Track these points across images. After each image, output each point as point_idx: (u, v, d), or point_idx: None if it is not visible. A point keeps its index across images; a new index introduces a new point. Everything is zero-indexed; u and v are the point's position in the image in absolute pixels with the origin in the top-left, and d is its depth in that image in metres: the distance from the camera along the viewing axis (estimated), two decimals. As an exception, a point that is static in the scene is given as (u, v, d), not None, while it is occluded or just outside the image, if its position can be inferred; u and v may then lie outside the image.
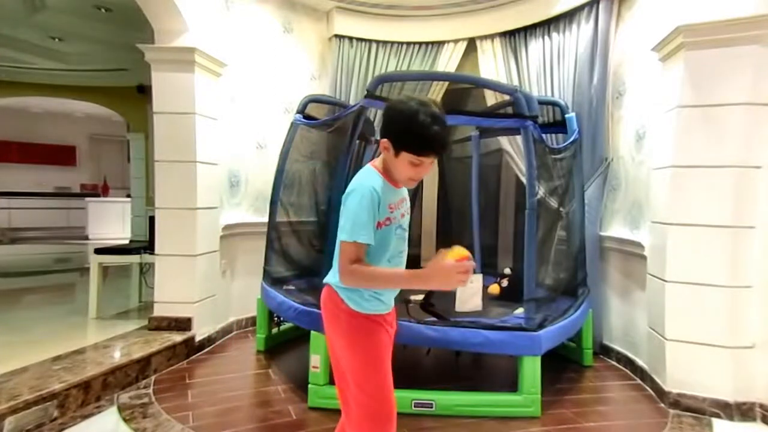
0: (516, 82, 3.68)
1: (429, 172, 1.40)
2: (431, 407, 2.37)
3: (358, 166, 3.86)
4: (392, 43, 4.12)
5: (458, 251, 1.27)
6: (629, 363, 3.01)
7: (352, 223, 1.30)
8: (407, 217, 1.46)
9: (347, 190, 1.35)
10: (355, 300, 1.37)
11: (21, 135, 10.46)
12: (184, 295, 3.20)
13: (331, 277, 1.43)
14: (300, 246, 3.43)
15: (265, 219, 3.44)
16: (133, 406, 2.41)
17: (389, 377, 1.39)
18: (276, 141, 3.70)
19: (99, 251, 3.77)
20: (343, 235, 1.31)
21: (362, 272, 1.30)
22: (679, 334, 2.46)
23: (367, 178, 1.35)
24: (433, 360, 3.13)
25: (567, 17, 3.44)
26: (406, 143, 1.30)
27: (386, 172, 1.38)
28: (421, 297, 3.15)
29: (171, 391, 2.63)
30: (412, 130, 1.28)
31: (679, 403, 2.45)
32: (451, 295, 2.94)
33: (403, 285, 1.37)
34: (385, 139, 1.34)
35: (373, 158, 4.07)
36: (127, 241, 6.32)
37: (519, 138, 2.89)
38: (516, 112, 2.46)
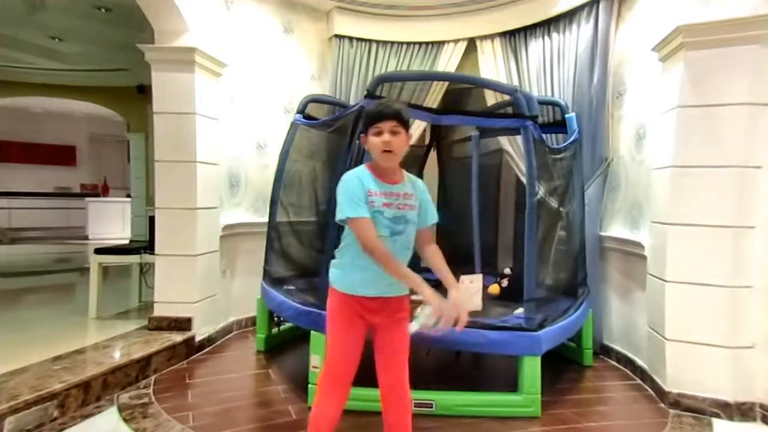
0: (516, 82, 3.68)
1: (398, 142, 1.63)
2: (431, 407, 2.37)
3: (358, 166, 3.88)
4: (392, 43, 4.12)
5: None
6: (629, 363, 3.01)
7: (348, 201, 1.59)
8: (396, 211, 1.65)
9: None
10: (340, 274, 1.69)
11: (21, 135, 10.46)
12: (184, 295, 3.20)
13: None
14: (300, 246, 3.43)
15: (265, 219, 3.44)
16: (133, 406, 2.41)
17: (343, 348, 1.66)
18: (276, 141, 3.70)
19: (99, 251, 3.77)
20: (341, 215, 1.59)
21: (375, 248, 1.56)
22: (679, 334, 2.46)
23: (351, 171, 1.67)
24: (433, 360, 3.13)
25: (567, 17, 3.44)
26: (365, 124, 1.67)
27: (374, 168, 1.68)
28: (421, 297, 3.15)
29: (171, 391, 2.63)
30: (365, 114, 1.71)
31: (679, 403, 2.45)
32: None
33: (409, 281, 1.60)
34: (362, 135, 1.69)
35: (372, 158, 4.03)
36: (127, 241, 6.32)
37: (519, 138, 2.88)
38: (516, 112, 2.46)
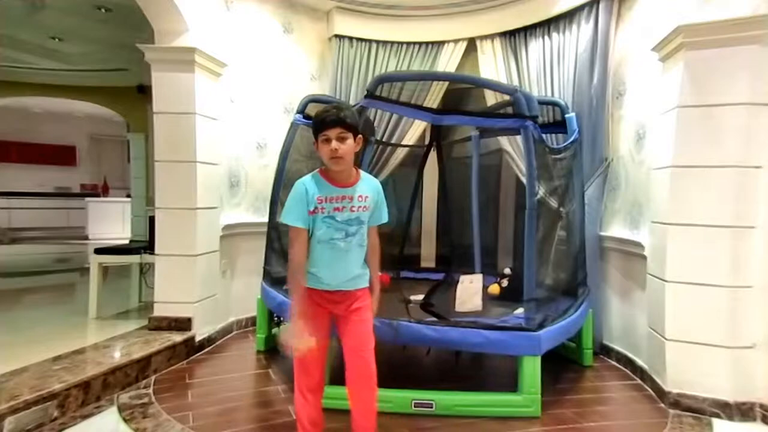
0: (516, 82, 3.68)
1: (347, 148, 1.70)
2: (431, 407, 2.37)
3: (358, 165, 3.89)
4: (392, 43, 4.12)
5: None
6: (629, 363, 3.01)
7: (291, 208, 1.73)
8: (348, 213, 1.74)
9: None
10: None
11: (21, 135, 10.46)
12: (184, 295, 3.20)
13: None
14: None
15: (265, 219, 3.44)
16: (133, 406, 2.41)
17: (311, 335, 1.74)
18: (276, 141, 3.70)
19: (99, 251, 3.77)
20: (283, 219, 1.74)
21: (293, 260, 1.75)
22: (679, 334, 2.46)
23: (304, 177, 1.77)
24: (433, 360, 3.13)
25: (567, 17, 3.44)
26: (314, 131, 1.73)
27: (326, 173, 1.76)
28: (421, 297, 3.15)
29: (171, 391, 2.63)
30: (313, 121, 1.75)
31: (679, 403, 2.45)
32: (451, 295, 2.95)
33: (293, 296, 1.78)
34: (314, 142, 1.75)
35: (372, 158, 4.09)
36: (127, 241, 6.32)
37: (519, 138, 2.88)
38: (516, 112, 2.46)
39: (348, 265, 1.79)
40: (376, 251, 1.92)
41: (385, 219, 1.91)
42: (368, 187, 1.82)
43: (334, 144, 1.68)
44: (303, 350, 1.67)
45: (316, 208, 1.72)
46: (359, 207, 1.77)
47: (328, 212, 1.72)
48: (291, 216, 1.73)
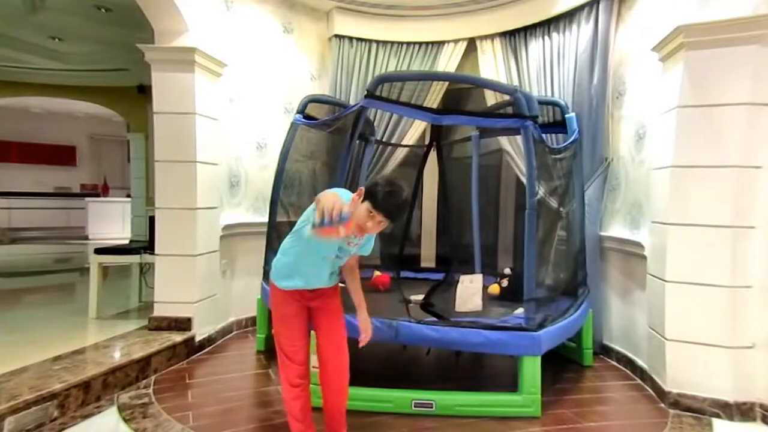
0: (516, 82, 3.68)
1: (376, 230, 1.76)
2: (431, 407, 2.37)
3: (358, 166, 3.89)
4: (392, 43, 4.12)
5: None
6: (629, 363, 3.01)
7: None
8: (346, 247, 1.86)
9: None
10: (275, 278, 1.94)
11: (21, 135, 10.45)
12: (184, 295, 3.20)
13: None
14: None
15: (265, 219, 3.44)
16: (133, 406, 2.41)
17: (291, 333, 1.95)
18: (276, 141, 3.70)
19: (99, 251, 3.76)
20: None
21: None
22: (679, 334, 2.46)
23: (345, 191, 1.79)
24: (433, 360, 3.13)
25: (567, 17, 3.44)
26: (372, 196, 1.71)
27: (351, 211, 1.73)
28: (421, 297, 3.15)
29: (171, 391, 2.63)
30: (377, 191, 1.72)
31: (679, 403, 2.45)
32: (451, 295, 2.95)
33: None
34: (360, 190, 1.77)
35: (372, 158, 4.08)
36: (127, 241, 6.32)
37: (519, 138, 2.89)
38: (516, 112, 2.46)
39: (321, 277, 1.93)
40: (356, 274, 2.07)
41: (367, 253, 2.00)
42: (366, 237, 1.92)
43: (371, 224, 1.74)
44: (337, 208, 1.55)
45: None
46: (355, 244, 1.89)
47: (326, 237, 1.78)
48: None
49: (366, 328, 2.04)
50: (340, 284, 2.05)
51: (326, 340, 1.99)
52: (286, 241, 1.95)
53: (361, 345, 2.02)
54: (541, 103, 3.25)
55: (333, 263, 1.92)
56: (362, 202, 1.74)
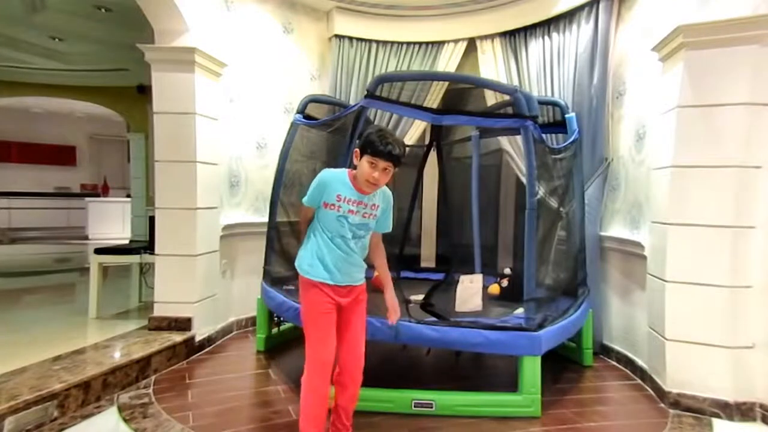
0: (516, 82, 3.68)
1: (384, 179, 1.80)
2: (431, 407, 2.37)
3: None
4: (392, 43, 4.12)
5: None
6: (629, 363, 3.01)
7: (312, 191, 1.87)
8: (361, 218, 1.85)
9: None
10: (302, 267, 1.91)
11: (21, 135, 10.46)
12: (184, 295, 3.20)
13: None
14: (300, 246, 3.43)
15: (265, 219, 3.44)
16: (133, 406, 2.41)
17: (322, 331, 1.85)
18: (276, 141, 3.70)
19: (99, 251, 3.76)
20: (305, 198, 1.90)
21: (301, 216, 2.00)
22: (679, 334, 2.46)
23: (335, 170, 1.88)
24: (433, 360, 3.13)
25: (567, 17, 3.44)
26: (366, 146, 1.78)
27: (354, 179, 1.84)
28: (421, 297, 3.15)
29: (171, 391, 2.63)
30: (370, 139, 1.78)
31: (679, 403, 2.45)
32: (451, 295, 2.95)
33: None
34: (356, 149, 1.83)
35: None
36: (127, 241, 6.32)
37: (519, 138, 2.88)
38: (516, 112, 2.46)
39: (351, 267, 1.90)
40: (381, 251, 2.06)
41: (388, 228, 2.02)
42: (382, 196, 1.93)
43: (377, 174, 1.77)
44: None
45: (333, 204, 1.83)
46: (370, 214, 1.88)
47: (343, 212, 1.83)
48: (308, 199, 1.90)
49: (394, 307, 2.04)
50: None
51: (348, 346, 1.94)
52: (312, 240, 1.93)
53: (391, 323, 2.09)
54: (541, 103, 3.25)
55: (356, 245, 1.89)
56: (360, 159, 1.78)
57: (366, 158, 1.77)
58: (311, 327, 1.88)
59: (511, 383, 2.50)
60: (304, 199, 1.91)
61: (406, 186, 4.34)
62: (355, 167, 1.85)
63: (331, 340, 1.87)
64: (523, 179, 2.77)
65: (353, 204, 1.84)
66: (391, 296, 2.05)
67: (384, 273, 2.06)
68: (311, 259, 1.89)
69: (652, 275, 2.68)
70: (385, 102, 2.71)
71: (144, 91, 6.84)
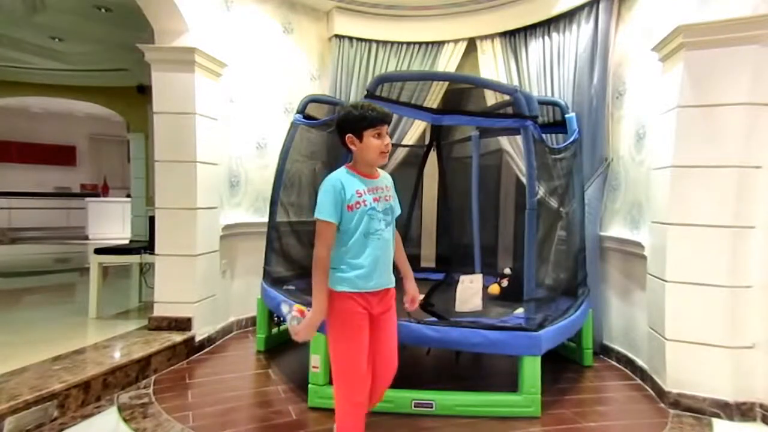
0: (516, 82, 3.68)
1: (388, 141, 1.76)
2: (431, 407, 2.37)
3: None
4: (392, 43, 4.12)
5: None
6: (629, 363, 3.01)
7: (330, 203, 1.69)
8: (384, 203, 1.78)
9: None
10: (333, 278, 1.73)
11: (21, 135, 10.46)
12: (184, 295, 3.20)
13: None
14: (300, 246, 3.43)
15: (265, 219, 3.44)
16: (133, 406, 2.41)
17: (360, 353, 1.73)
18: (276, 141, 3.70)
19: (99, 251, 3.77)
20: (320, 214, 1.69)
21: (319, 255, 1.69)
22: (679, 334, 2.46)
23: (333, 174, 1.76)
24: (433, 360, 3.13)
25: (567, 17, 3.44)
26: (361, 127, 1.71)
27: (356, 168, 1.77)
28: (421, 297, 3.15)
29: (171, 391, 2.63)
30: (362, 116, 1.71)
31: (679, 403, 2.45)
32: (451, 295, 2.94)
33: (314, 290, 1.71)
34: (348, 136, 1.74)
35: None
36: (127, 241, 6.32)
37: (519, 138, 2.88)
38: (516, 112, 2.46)
39: (389, 259, 1.82)
40: (398, 238, 1.96)
41: (399, 210, 1.94)
42: (387, 178, 1.90)
43: (387, 139, 1.75)
44: (302, 338, 1.74)
45: (357, 202, 1.71)
46: (389, 196, 1.83)
47: (369, 204, 1.73)
48: (326, 211, 1.68)
49: (415, 296, 1.99)
50: None
51: (383, 360, 1.83)
52: (333, 251, 1.75)
53: (412, 309, 2.06)
54: (541, 103, 3.25)
55: (390, 234, 1.80)
56: (361, 140, 1.73)
57: (368, 133, 1.71)
58: (343, 343, 1.75)
59: (511, 383, 2.50)
60: (323, 216, 1.67)
61: (406, 186, 4.34)
62: (351, 160, 1.81)
63: (368, 376, 1.76)
64: (523, 179, 2.77)
65: (372, 192, 1.76)
66: (412, 286, 1.98)
67: (404, 264, 1.99)
68: (345, 272, 1.73)
69: (652, 275, 2.68)
70: (385, 102, 2.70)
71: (144, 91, 6.84)
